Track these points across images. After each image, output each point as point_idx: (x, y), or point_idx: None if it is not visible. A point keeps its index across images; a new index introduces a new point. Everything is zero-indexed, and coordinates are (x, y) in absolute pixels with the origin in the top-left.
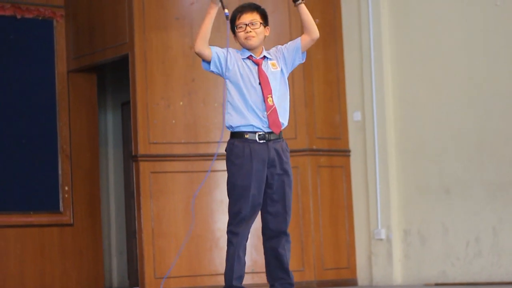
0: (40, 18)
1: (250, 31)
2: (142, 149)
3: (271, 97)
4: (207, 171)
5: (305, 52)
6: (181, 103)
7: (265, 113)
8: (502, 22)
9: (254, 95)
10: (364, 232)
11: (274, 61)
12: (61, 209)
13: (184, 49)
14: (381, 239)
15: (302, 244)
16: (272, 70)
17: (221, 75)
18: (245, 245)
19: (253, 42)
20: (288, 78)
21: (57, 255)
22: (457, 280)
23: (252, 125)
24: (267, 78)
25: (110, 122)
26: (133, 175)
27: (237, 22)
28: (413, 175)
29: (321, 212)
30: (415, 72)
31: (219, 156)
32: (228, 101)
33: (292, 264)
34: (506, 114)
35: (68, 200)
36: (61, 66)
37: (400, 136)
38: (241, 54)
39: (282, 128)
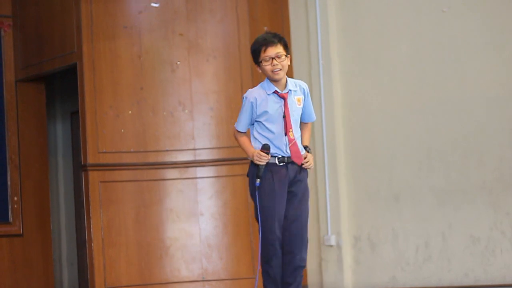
0: None
1: (277, 64)
2: (91, 159)
3: (292, 131)
4: (157, 180)
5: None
6: (130, 112)
7: (288, 146)
8: (449, 28)
9: (278, 128)
10: (315, 239)
11: (300, 97)
12: (11, 219)
13: (133, 57)
14: (331, 245)
15: (252, 251)
16: (297, 106)
17: None
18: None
19: (280, 75)
20: (237, 86)
21: (6, 266)
22: (407, 285)
23: (274, 155)
24: (289, 112)
25: (60, 131)
26: (83, 185)
27: (262, 56)
28: (363, 182)
29: None
30: (364, 80)
31: (169, 164)
32: (253, 135)
33: (243, 271)
34: (454, 121)
35: (18, 211)
36: (9, 75)
37: (349, 143)
38: (266, 90)
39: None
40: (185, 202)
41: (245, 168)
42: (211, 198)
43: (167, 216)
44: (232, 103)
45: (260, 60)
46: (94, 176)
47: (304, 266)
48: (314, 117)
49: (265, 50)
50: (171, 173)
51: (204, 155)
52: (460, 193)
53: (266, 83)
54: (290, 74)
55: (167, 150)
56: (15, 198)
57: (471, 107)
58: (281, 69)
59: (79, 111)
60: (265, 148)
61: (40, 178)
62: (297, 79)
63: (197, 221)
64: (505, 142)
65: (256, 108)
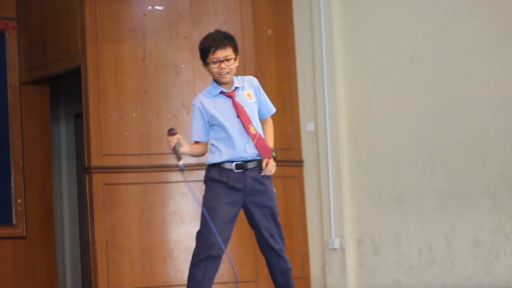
0: None
1: (225, 67)
2: (95, 161)
3: (252, 125)
4: (160, 183)
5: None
6: (133, 114)
7: (252, 143)
8: (453, 32)
9: (234, 129)
10: (318, 242)
11: (250, 92)
12: (14, 221)
13: (137, 60)
14: (334, 249)
15: (255, 254)
16: (248, 101)
17: None
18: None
19: (227, 79)
20: None
21: (10, 269)
22: None
23: (231, 160)
24: (243, 108)
25: (63, 134)
26: (86, 187)
27: (211, 57)
28: (366, 185)
29: None
30: (367, 82)
31: (173, 167)
32: (212, 143)
33: (246, 274)
34: (458, 124)
35: (21, 213)
36: (13, 78)
37: (353, 146)
38: (212, 92)
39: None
40: (189, 205)
41: None
42: None
43: (171, 218)
44: None
45: (208, 62)
46: (97, 179)
47: (291, 268)
48: (272, 109)
49: (214, 52)
50: (175, 175)
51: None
52: (463, 196)
53: (212, 85)
54: (294, 77)
55: (171, 153)
56: (19, 201)
57: (475, 110)
58: (228, 73)
59: (83, 113)
60: (169, 131)
61: (44, 181)
62: (301, 81)
63: None
64: (509, 145)
65: (204, 112)
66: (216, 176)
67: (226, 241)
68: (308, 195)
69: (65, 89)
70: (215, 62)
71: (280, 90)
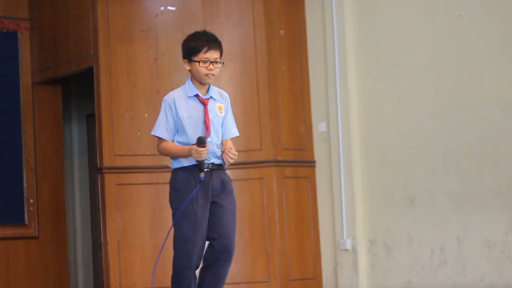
0: (5, 30)
1: (212, 70)
2: (107, 161)
3: (211, 138)
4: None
5: None
6: (146, 114)
7: (215, 153)
8: (466, 32)
9: (196, 135)
10: (330, 243)
11: (222, 105)
12: (26, 221)
13: (149, 60)
14: (346, 250)
15: (268, 255)
16: (218, 113)
17: None
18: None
19: (211, 81)
20: (253, 90)
21: (22, 268)
22: None
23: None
24: (209, 119)
25: (75, 134)
26: (99, 187)
27: (202, 56)
28: (378, 185)
29: (286, 223)
30: (379, 83)
31: None
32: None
33: (258, 275)
34: (470, 125)
35: (33, 213)
36: (25, 78)
37: (365, 147)
38: (187, 92)
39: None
40: None
41: (262, 171)
42: None
43: None
44: (248, 107)
45: (197, 60)
46: (109, 179)
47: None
48: (235, 132)
49: (206, 52)
50: None
51: None
52: (475, 198)
53: (188, 84)
54: (306, 77)
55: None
56: (31, 201)
57: (487, 111)
58: (214, 75)
59: (95, 113)
60: (200, 142)
61: (56, 181)
62: (313, 81)
63: None
64: None
65: (174, 112)
66: (184, 179)
67: (204, 247)
68: (320, 195)
69: (77, 90)
70: (205, 62)
71: (292, 90)
